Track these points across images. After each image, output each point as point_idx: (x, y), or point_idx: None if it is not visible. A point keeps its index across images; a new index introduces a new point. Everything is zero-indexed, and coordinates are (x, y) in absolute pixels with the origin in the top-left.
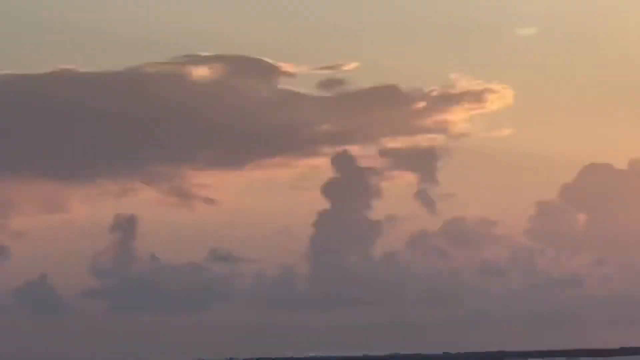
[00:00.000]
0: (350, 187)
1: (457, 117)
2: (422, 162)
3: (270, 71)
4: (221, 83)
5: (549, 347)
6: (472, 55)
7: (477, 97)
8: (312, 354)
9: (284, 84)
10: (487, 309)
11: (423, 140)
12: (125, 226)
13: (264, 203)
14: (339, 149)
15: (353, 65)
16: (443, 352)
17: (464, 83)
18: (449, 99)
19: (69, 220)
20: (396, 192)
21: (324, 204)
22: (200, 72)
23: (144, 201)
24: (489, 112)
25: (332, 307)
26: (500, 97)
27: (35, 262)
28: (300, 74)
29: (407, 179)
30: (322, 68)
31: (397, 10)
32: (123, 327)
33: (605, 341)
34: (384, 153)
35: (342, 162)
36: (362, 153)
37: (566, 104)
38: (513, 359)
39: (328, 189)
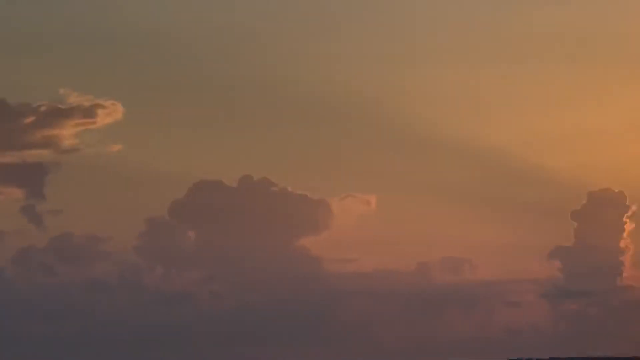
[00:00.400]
0: None
1: (66, 132)
2: (29, 177)
3: None
4: None
5: None
6: (82, 71)
7: (86, 112)
8: None
9: None
10: (94, 326)
11: (31, 155)
12: None
13: None
14: None
15: None
16: None
17: (74, 98)
18: (58, 114)
19: None
20: (2, 207)
21: None
22: None
23: None
24: (98, 128)
25: None
26: (110, 113)
27: None
28: None
29: (13, 195)
30: None
31: (7, 22)
32: None
33: (214, 358)
34: None
35: None
36: None
37: (176, 121)
38: None
39: None
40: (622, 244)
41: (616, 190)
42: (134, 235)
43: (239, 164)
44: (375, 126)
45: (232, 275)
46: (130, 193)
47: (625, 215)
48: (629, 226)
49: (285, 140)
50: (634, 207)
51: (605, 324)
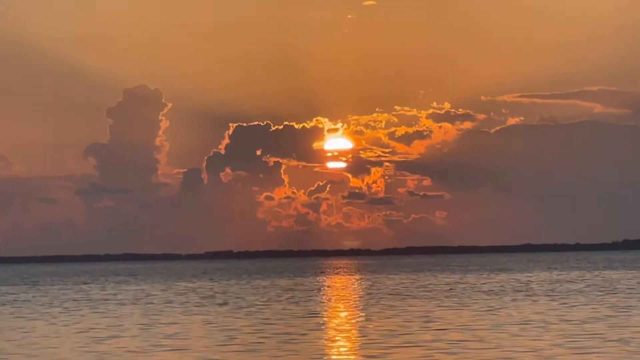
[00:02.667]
0: None
1: None
2: None
3: None
4: None
5: None
6: None
7: None
8: None
9: None
10: None
11: None
12: None
13: None
14: None
15: None
16: None
17: None
18: None
19: None
20: None
21: None
22: None
23: None
24: None
25: None
26: None
27: None
28: None
29: None
30: None
31: None
32: None
33: None
34: None
35: None
36: None
37: None
38: None
39: None
40: (157, 141)
41: (152, 88)
42: None
43: None
44: None
45: None
46: None
47: (161, 112)
48: (164, 124)
49: None
50: (169, 105)
51: (141, 220)
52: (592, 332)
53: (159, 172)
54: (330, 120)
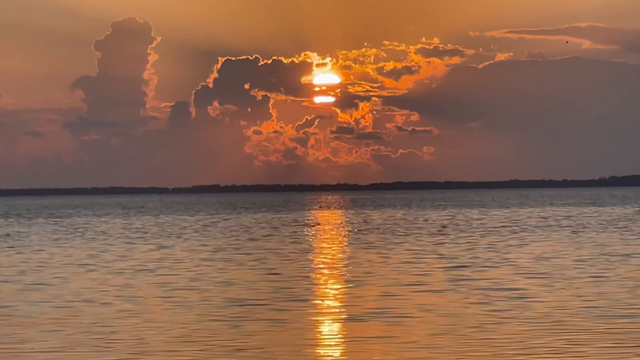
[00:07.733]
0: None
1: None
2: None
3: None
4: None
5: None
6: None
7: None
8: None
9: None
10: None
11: None
12: None
13: None
14: None
15: None
16: None
17: None
18: None
19: None
20: None
21: None
22: None
23: None
24: None
25: None
26: None
27: None
28: None
29: None
30: None
31: None
32: None
33: None
34: None
35: None
36: None
37: None
38: None
39: None
40: (145, 74)
41: (141, 21)
42: None
43: None
44: None
45: None
46: None
47: (150, 46)
48: (153, 57)
49: None
50: (158, 38)
51: (128, 153)
52: None
53: (147, 105)
54: (318, 54)
